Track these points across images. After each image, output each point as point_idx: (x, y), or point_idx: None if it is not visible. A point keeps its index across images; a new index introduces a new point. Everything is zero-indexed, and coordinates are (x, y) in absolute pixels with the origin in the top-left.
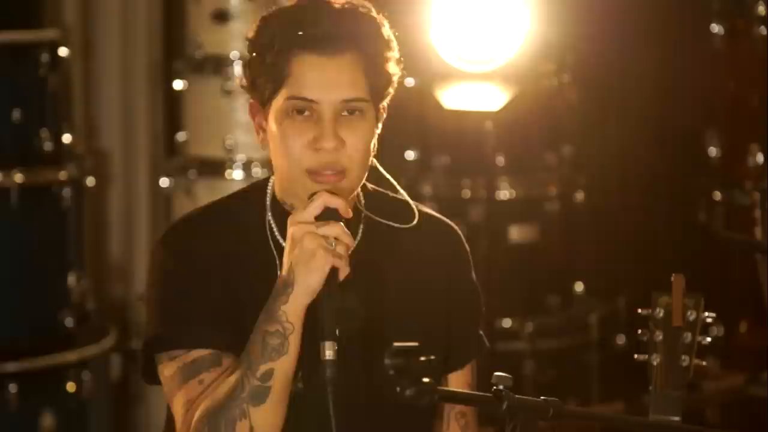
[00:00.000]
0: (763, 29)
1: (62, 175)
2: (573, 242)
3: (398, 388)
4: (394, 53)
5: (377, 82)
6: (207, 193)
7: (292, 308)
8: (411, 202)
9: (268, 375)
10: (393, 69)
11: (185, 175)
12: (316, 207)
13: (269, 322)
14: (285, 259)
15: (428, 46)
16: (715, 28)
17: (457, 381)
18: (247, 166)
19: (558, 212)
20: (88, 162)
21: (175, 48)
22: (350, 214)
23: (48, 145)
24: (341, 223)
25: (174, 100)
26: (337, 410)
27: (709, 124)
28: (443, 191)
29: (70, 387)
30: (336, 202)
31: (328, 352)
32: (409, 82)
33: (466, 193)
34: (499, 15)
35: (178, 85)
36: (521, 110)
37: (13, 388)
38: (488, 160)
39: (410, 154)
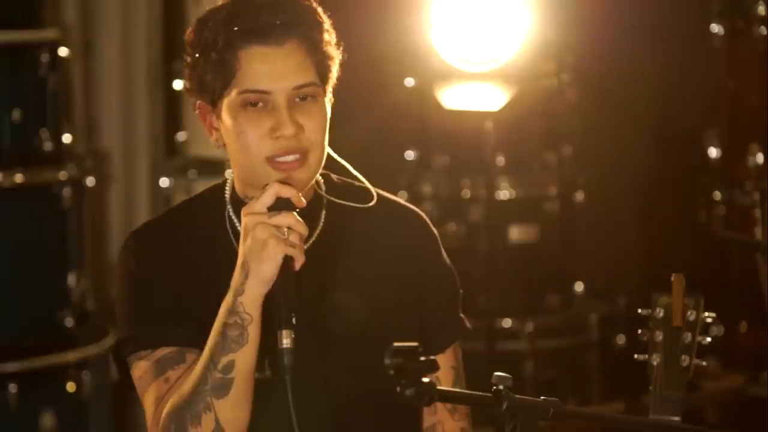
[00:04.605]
0: (763, 29)
1: (62, 175)
2: (573, 242)
3: (398, 388)
4: (332, 37)
5: (322, 65)
6: None
7: (249, 299)
8: (369, 186)
9: (230, 367)
10: (334, 52)
11: (185, 175)
12: (267, 197)
13: (227, 314)
14: (240, 251)
15: (428, 46)
16: (715, 28)
17: (440, 364)
18: None
19: (558, 212)
20: (88, 162)
21: (175, 48)
22: (303, 204)
23: (48, 145)
24: (294, 213)
25: (174, 100)
26: (299, 397)
27: (709, 124)
28: (443, 191)
29: (70, 387)
30: (288, 192)
31: (285, 340)
32: (409, 82)
33: (466, 193)
34: (499, 15)
35: (178, 85)
36: (521, 110)
37: (13, 388)
38: (488, 160)
39: (410, 154)
